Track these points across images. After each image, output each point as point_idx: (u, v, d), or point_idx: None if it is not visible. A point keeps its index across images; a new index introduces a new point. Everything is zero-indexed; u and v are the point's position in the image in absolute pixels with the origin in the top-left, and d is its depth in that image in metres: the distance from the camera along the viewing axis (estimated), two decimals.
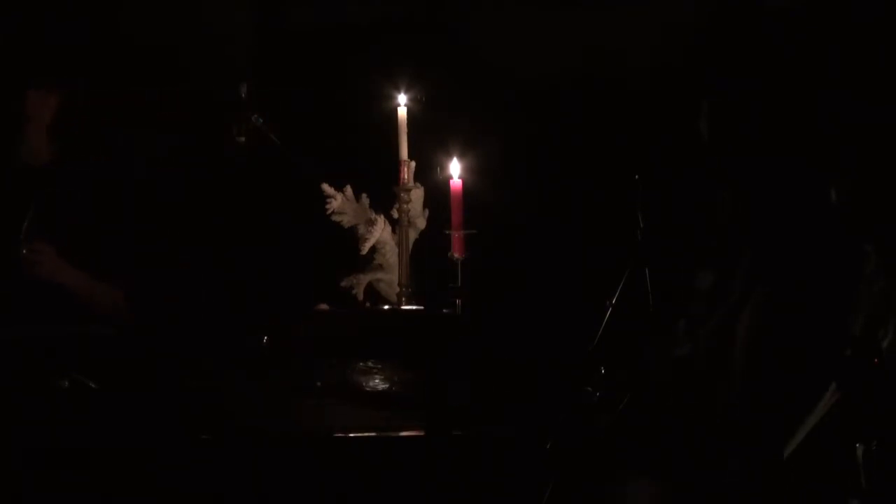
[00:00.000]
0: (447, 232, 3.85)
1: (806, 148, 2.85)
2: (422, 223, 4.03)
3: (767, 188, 2.87)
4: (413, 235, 3.98)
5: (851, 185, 2.87)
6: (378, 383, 3.56)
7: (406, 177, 3.92)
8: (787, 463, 2.77)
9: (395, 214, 3.97)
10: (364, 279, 4.00)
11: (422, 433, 3.06)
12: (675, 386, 2.88)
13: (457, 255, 3.83)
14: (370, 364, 3.69)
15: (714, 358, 2.93)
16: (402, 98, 3.94)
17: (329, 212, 3.96)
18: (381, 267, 4.01)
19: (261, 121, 3.94)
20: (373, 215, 3.96)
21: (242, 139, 3.95)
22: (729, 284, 2.98)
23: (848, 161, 2.88)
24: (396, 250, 3.96)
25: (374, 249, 3.98)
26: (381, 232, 3.95)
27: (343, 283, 4.00)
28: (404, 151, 3.92)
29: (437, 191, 3.96)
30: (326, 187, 3.96)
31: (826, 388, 2.77)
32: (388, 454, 3.12)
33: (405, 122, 3.92)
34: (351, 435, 3.15)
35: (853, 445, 3.13)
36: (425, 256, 3.96)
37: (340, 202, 3.96)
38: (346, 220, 3.97)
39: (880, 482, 3.13)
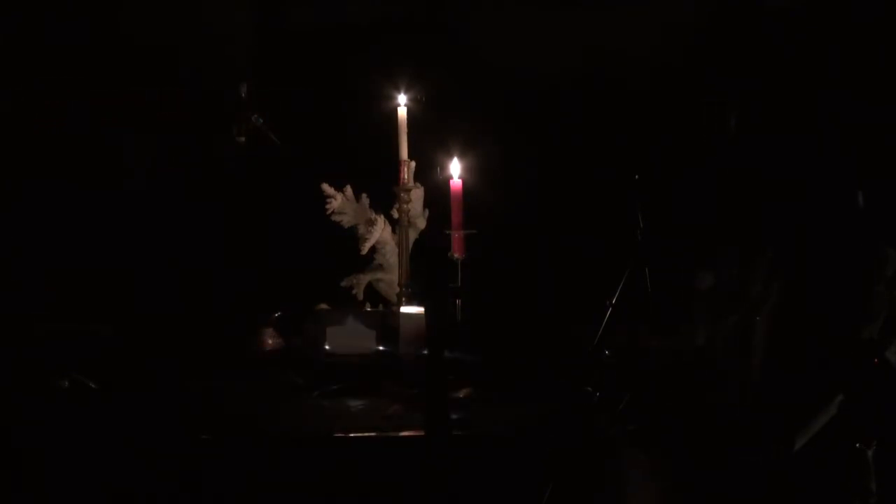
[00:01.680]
0: (447, 232, 3.85)
1: (829, 150, 2.85)
2: (422, 223, 4.03)
3: (788, 189, 2.87)
4: (413, 235, 3.99)
5: (876, 190, 2.87)
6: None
7: (406, 177, 3.92)
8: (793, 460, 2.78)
9: (395, 214, 3.97)
10: (364, 279, 4.00)
11: (422, 433, 3.06)
12: (675, 386, 2.88)
13: (457, 255, 3.83)
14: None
15: (724, 358, 2.92)
16: (402, 98, 3.94)
17: (329, 212, 3.96)
18: (381, 267, 4.01)
19: (261, 121, 3.94)
20: (373, 215, 3.96)
21: (242, 139, 3.95)
22: (740, 285, 2.97)
23: (867, 165, 2.88)
24: (396, 250, 3.96)
25: (374, 249, 3.98)
26: (381, 232, 3.95)
27: (343, 283, 4.01)
28: (404, 151, 3.92)
29: (437, 191, 3.96)
30: (326, 187, 3.96)
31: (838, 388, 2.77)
32: (388, 454, 3.12)
33: (405, 122, 3.92)
34: (351, 435, 3.15)
35: (854, 446, 3.13)
36: (425, 256, 3.96)
37: (340, 202, 3.96)
38: (346, 220, 3.97)
39: (881, 482, 3.13)
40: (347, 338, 3.74)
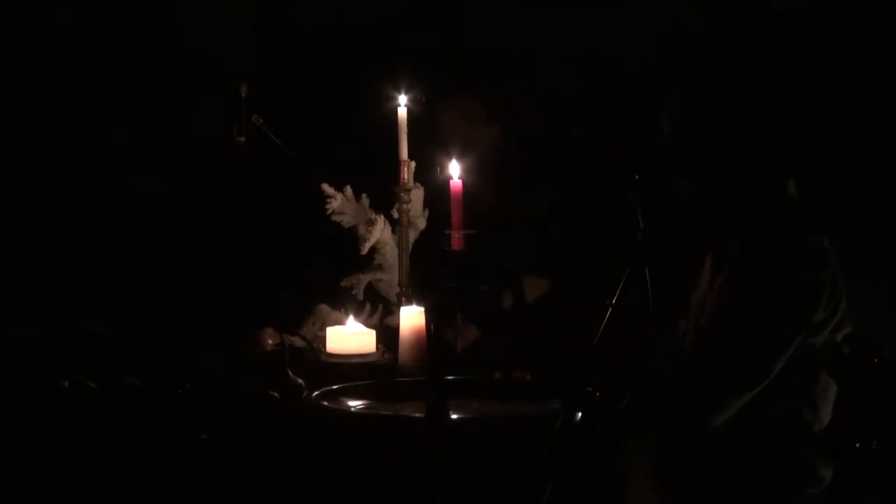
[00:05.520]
0: (447, 232, 3.85)
1: (760, 143, 2.83)
2: (422, 223, 4.03)
3: (724, 181, 2.85)
4: (413, 235, 3.99)
5: (807, 179, 2.86)
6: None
7: (406, 177, 3.92)
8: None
9: (395, 214, 3.97)
10: (364, 279, 4.00)
11: (421, 433, 3.05)
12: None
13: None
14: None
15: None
16: (402, 98, 3.94)
17: (329, 212, 3.96)
18: (380, 267, 4.01)
19: (261, 121, 3.94)
20: (373, 215, 3.96)
21: (242, 139, 3.95)
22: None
23: (800, 155, 2.86)
24: (396, 250, 3.96)
25: (374, 249, 3.98)
26: (381, 232, 3.96)
27: (343, 283, 4.01)
28: (404, 151, 3.92)
29: (437, 191, 3.96)
30: (326, 187, 3.96)
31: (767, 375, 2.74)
32: (388, 453, 3.12)
33: (405, 122, 3.92)
34: (352, 435, 3.15)
35: (854, 445, 3.13)
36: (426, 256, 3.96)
37: (340, 202, 3.96)
38: (346, 220, 3.97)
39: (881, 482, 3.13)
40: (347, 338, 3.75)
